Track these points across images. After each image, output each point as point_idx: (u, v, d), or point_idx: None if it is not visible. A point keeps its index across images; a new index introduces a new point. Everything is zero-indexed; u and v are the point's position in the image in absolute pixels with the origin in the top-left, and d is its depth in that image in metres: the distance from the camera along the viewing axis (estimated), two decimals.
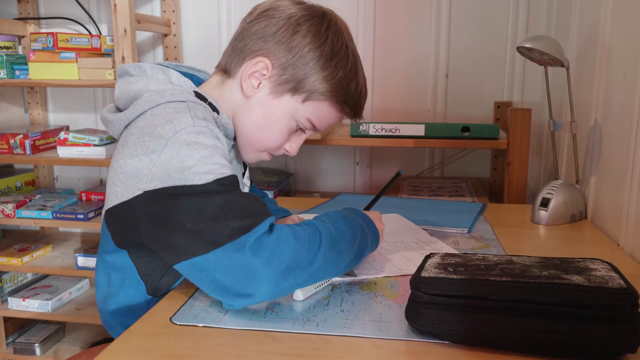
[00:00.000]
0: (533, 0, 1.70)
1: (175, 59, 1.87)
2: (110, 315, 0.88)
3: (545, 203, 1.19)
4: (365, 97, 0.92)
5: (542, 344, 0.61)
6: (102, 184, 2.06)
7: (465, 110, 1.79)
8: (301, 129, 0.91)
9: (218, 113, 0.86)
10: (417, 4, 1.76)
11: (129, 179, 0.75)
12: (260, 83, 0.86)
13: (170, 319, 0.72)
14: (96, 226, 1.75)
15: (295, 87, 0.85)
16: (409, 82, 1.80)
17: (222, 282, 0.68)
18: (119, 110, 0.86)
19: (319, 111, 0.88)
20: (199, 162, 0.71)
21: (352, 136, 1.52)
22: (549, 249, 1.04)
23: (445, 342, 0.66)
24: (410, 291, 0.79)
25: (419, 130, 1.48)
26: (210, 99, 0.86)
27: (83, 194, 1.88)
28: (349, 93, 0.87)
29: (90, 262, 1.73)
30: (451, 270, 0.69)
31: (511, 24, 1.73)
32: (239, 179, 0.91)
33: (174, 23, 1.85)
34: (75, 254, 1.75)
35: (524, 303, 0.62)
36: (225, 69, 0.89)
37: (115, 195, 0.77)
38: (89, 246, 1.86)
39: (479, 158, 1.83)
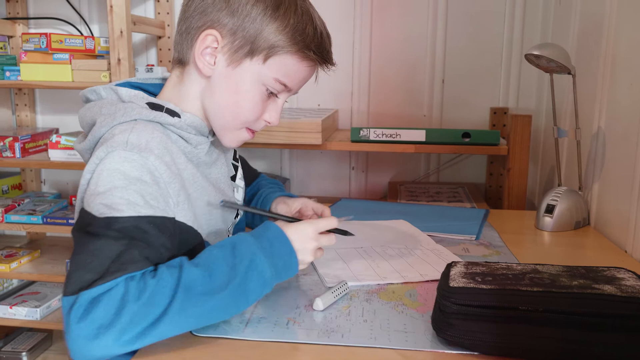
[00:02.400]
0: (529, 7, 1.71)
1: (169, 61, 1.84)
2: None
3: (550, 209, 1.19)
4: (329, 40, 0.84)
5: (574, 355, 0.61)
6: None
7: (461, 116, 1.79)
8: (273, 94, 0.84)
9: (180, 116, 0.81)
10: (413, 10, 1.76)
11: (78, 198, 0.76)
12: (215, 58, 0.80)
13: (191, 331, 0.70)
14: None
15: (251, 49, 0.79)
16: (405, 87, 1.80)
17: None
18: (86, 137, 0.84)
19: (285, 67, 0.81)
20: (108, 191, 0.69)
21: (353, 141, 1.51)
22: (561, 256, 1.04)
23: (474, 353, 0.65)
24: (430, 300, 0.80)
25: (420, 135, 1.48)
26: (167, 105, 0.81)
27: (73, 199, 1.84)
28: (307, 38, 0.80)
29: None
30: (479, 280, 0.68)
31: (507, 30, 1.74)
32: (218, 186, 0.88)
33: (168, 25, 1.83)
34: (66, 260, 1.70)
35: (556, 313, 0.62)
36: (180, 60, 0.84)
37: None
38: None
39: (474, 163, 1.84)
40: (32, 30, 1.91)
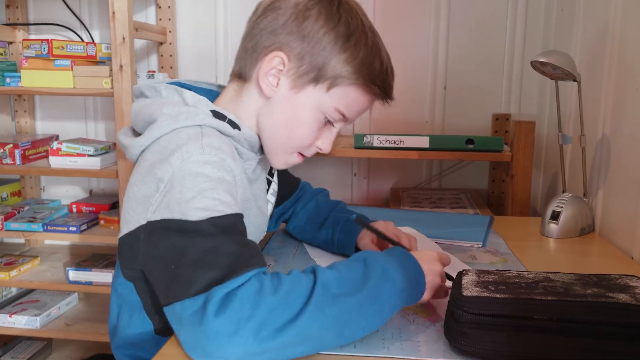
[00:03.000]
0: (530, 14, 1.72)
1: (171, 67, 1.84)
2: (118, 349, 0.85)
3: (555, 216, 1.19)
4: (392, 75, 0.85)
5: None
6: (92, 195, 2.00)
7: (463, 122, 1.79)
8: (330, 122, 0.83)
9: (240, 129, 0.81)
10: (415, 16, 1.76)
11: (138, 206, 0.73)
12: (279, 80, 0.80)
13: None
14: (88, 239, 1.71)
15: (316, 76, 0.78)
16: (407, 93, 1.80)
17: (186, 340, 0.61)
18: (135, 132, 0.83)
19: (347, 98, 0.81)
20: (198, 194, 0.67)
21: (356, 147, 1.51)
22: (569, 263, 1.04)
23: None
24: (441, 308, 0.79)
25: (424, 142, 1.48)
26: (229, 115, 0.81)
27: (74, 205, 1.83)
28: (374, 72, 0.80)
29: (82, 276, 1.68)
30: (493, 288, 0.67)
31: (509, 36, 1.74)
32: (257, 203, 0.89)
33: (169, 31, 1.82)
34: (67, 268, 1.69)
35: (571, 323, 0.61)
36: (240, 75, 0.84)
37: (126, 223, 0.76)
38: (80, 259, 1.81)
39: (475, 170, 1.83)
40: (32, 37, 1.90)
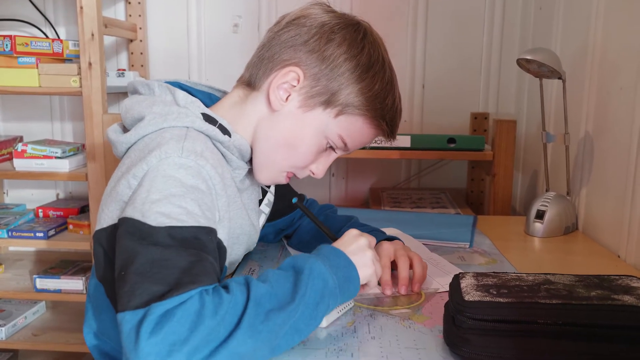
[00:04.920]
0: (508, 13, 1.72)
1: (142, 66, 1.77)
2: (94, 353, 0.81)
3: (540, 215, 1.18)
4: (400, 115, 0.84)
5: None
6: (58, 198, 1.92)
7: (442, 121, 1.78)
8: (331, 148, 0.83)
9: (230, 135, 0.78)
10: (392, 15, 1.74)
11: (112, 203, 0.71)
12: (289, 95, 0.79)
13: None
14: (56, 245, 1.63)
15: (328, 99, 0.78)
16: None
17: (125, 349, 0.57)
18: (125, 129, 0.80)
19: (353, 128, 0.80)
20: (164, 198, 0.65)
21: None
22: (559, 263, 1.04)
23: None
24: (436, 312, 0.77)
25: (405, 141, 1.46)
26: (221, 120, 0.78)
27: (40, 210, 1.75)
28: (385, 108, 0.80)
29: (50, 284, 1.61)
30: (495, 292, 0.65)
31: (486, 35, 1.74)
32: (247, 212, 0.85)
33: (140, 28, 1.76)
34: (33, 276, 1.61)
35: (578, 326, 0.60)
36: (250, 82, 0.82)
37: (99, 220, 0.74)
38: (47, 266, 1.72)
39: (454, 169, 1.83)
40: None
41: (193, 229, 0.64)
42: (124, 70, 1.72)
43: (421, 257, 0.99)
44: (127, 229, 0.64)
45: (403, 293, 0.83)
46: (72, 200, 1.89)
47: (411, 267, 0.86)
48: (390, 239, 0.94)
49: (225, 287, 0.61)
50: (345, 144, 0.81)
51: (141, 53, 1.77)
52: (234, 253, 0.86)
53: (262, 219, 0.95)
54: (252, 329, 0.58)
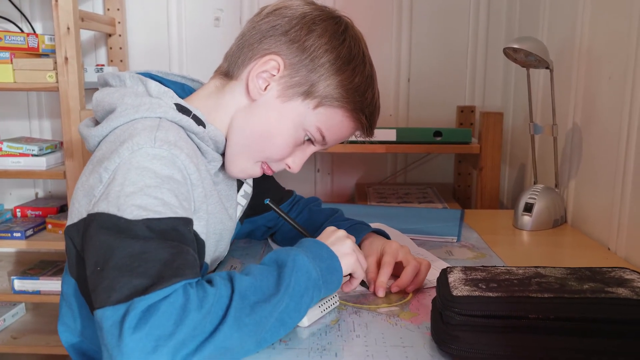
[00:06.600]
0: (493, 4, 1.70)
1: (121, 61, 1.73)
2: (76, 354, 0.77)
3: (529, 208, 1.16)
4: (379, 112, 0.83)
5: None
6: (37, 198, 1.87)
7: (428, 115, 1.76)
8: (309, 141, 0.80)
9: (205, 126, 0.76)
10: (377, 8, 1.71)
11: (83, 198, 0.68)
12: (268, 85, 0.76)
13: None
14: (34, 245, 1.58)
15: (307, 90, 0.76)
16: None
17: (104, 353, 0.55)
18: (97, 122, 0.77)
19: (332, 120, 0.78)
20: (140, 190, 0.63)
21: None
22: (549, 256, 1.02)
23: None
24: (423, 309, 0.74)
25: (390, 135, 1.43)
26: (195, 111, 0.75)
27: (17, 210, 1.70)
28: (365, 101, 0.78)
29: (29, 285, 1.56)
30: (484, 287, 0.63)
31: (472, 27, 1.71)
32: (224, 204, 0.81)
33: (119, 22, 1.71)
34: (11, 277, 1.57)
35: (571, 321, 0.57)
36: (228, 72, 0.80)
37: (71, 215, 0.71)
38: (26, 267, 1.67)
39: (440, 164, 1.80)
40: None
41: (171, 220, 0.62)
42: (103, 65, 1.67)
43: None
44: (102, 224, 0.61)
45: (393, 292, 0.80)
46: (51, 199, 1.84)
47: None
48: (377, 231, 0.92)
49: (209, 282, 0.60)
50: (323, 137, 0.79)
51: (120, 48, 1.73)
52: (219, 249, 0.83)
53: (240, 210, 0.92)
54: (238, 322, 0.57)
